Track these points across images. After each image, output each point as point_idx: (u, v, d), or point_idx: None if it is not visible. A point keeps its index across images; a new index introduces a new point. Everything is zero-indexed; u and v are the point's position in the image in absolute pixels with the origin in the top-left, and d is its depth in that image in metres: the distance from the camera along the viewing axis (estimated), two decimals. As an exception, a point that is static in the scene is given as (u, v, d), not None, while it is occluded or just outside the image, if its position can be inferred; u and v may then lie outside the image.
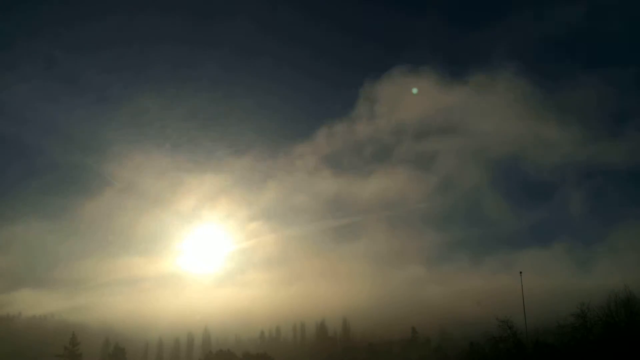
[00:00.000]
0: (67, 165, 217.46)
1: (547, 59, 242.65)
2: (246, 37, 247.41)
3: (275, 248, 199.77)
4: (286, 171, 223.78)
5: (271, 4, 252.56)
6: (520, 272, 57.18)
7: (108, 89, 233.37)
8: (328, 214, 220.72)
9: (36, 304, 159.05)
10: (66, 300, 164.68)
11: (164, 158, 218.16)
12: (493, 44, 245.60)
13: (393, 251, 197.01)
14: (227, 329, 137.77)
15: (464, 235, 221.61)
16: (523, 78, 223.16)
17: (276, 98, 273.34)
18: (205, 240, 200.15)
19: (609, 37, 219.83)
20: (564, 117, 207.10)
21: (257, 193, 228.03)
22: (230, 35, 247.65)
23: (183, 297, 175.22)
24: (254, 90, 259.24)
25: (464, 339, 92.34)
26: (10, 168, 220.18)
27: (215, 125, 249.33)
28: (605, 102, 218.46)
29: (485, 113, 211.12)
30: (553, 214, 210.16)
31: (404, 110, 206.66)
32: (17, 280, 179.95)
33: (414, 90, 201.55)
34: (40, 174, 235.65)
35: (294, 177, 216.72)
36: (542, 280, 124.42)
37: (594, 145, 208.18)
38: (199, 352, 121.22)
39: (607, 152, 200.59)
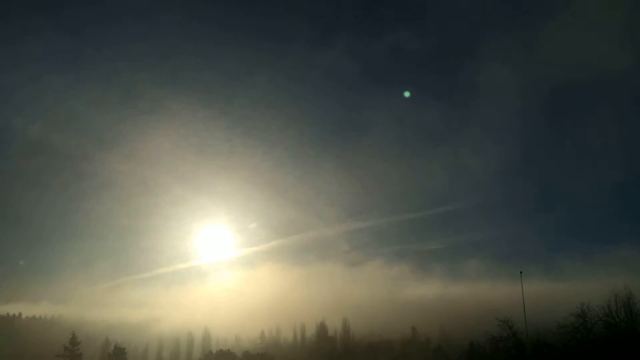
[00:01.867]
0: (109, 172, 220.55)
1: None
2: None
3: (279, 250, 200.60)
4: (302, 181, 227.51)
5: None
6: (521, 272, 56.98)
7: (161, 101, 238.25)
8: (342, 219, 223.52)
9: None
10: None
11: (198, 164, 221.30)
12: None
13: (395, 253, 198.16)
14: (227, 329, 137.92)
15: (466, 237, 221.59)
16: None
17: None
18: (212, 241, 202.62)
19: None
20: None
21: (270, 199, 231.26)
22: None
23: (184, 296, 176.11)
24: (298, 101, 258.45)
25: (464, 339, 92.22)
26: (57, 174, 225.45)
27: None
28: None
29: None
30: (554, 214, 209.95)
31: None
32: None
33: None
34: (84, 179, 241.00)
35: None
36: (542, 280, 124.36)
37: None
38: (199, 352, 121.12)
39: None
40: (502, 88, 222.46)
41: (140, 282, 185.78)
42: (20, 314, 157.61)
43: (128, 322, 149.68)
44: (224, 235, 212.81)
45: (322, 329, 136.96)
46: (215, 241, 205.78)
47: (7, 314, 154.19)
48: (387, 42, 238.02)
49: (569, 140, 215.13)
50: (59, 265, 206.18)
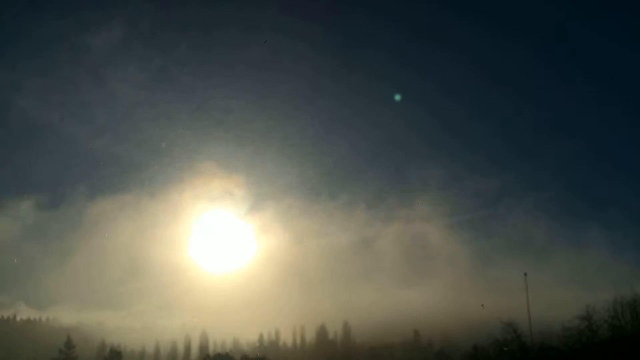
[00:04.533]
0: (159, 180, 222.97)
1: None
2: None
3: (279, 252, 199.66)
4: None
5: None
6: (525, 274, 56.18)
7: (230, 114, 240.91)
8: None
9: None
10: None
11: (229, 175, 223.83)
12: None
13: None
14: (225, 332, 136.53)
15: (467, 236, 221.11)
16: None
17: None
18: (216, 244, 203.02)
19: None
20: None
21: (278, 201, 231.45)
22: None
23: (182, 299, 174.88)
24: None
25: (468, 342, 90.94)
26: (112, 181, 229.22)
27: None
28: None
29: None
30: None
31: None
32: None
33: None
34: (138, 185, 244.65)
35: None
36: (547, 282, 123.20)
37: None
38: (197, 356, 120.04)
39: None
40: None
41: (138, 284, 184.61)
42: (14, 316, 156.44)
43: (124, 325, 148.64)
44: (230, 237, 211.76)
45: (322, 332, 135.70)
46: (220, 243, 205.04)
47: (2, 316, 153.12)
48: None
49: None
50: (56, 267, 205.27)
